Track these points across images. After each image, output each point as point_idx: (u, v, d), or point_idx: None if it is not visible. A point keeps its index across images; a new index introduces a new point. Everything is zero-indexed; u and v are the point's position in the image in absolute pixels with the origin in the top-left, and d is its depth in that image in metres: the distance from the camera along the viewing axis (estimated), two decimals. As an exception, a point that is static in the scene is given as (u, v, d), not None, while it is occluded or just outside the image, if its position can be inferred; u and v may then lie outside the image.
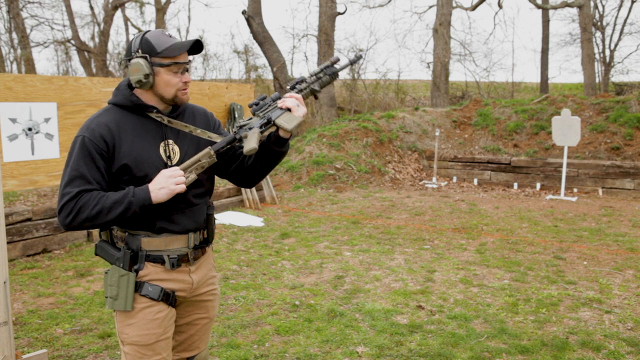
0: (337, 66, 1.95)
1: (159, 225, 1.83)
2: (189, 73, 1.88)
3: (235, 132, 1.91)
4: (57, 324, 3.74)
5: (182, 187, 1.78)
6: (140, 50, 1.80)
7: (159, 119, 1.87)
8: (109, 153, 1.79)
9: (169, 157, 1.86)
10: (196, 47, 1.85)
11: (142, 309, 1.82)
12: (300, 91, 1.94)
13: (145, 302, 1.82)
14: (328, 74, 1.94)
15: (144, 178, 1.80)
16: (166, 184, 1.76)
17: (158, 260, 1.85)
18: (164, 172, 1.78)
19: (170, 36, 1.84)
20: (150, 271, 1.84)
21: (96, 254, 1.89)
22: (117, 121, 1.82)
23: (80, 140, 1.78)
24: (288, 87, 1.97)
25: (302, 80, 1.95)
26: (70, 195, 1.72)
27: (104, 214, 1.72)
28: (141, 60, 1.77)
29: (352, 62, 1.96)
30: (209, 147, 1.86)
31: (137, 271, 1.82)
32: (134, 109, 1.85)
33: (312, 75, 1.95)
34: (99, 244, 1.88)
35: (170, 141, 1.88)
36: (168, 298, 1.86)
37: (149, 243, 1.83)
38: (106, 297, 1.83)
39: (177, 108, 1.92)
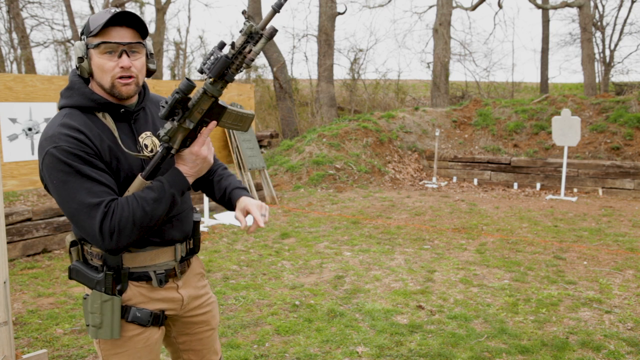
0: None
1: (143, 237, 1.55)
2: (136, 57, 1.51)
3: (164, 150, 1.55)
4: (57, 324, 3.73)
5: (211, 160, 1.59)
6: (84, 32, 1.50)
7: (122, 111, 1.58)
8: (97, 153, 1.48)
9: (143, 157, 1.58)
10: (129, 20, 1.46)
11: (132, 337, 1.59)
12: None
13: (134, 329, 1.60)
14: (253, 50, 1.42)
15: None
16: (197, 161, 1.55)
17: (143, 277, 1.60)
18: (189, 154, 1.54)
19: (117, 12, 1.45)
20: (134, 293, 1.60)
21: (70, 278, 1.60)
22: (85, 124, 1.49)
23: (54, 153, 1.42)
24: (207, 72, 1.42)
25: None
26: (100, 214, 1.42)
27: (148, 218, 1.46)
28: (77, 43, 1.48)
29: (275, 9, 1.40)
30: (139, 174, 1.54)
31: (120, 292, 1.57)
32: (99, 109, 1.53)
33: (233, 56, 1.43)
34: (73, 267, 1.59)
35: (142, 136, 1.63)
36: (158, 320, 1.64)
37: (133, 259, 1.57)
38: (87, 326, 1.57)
39: (141, 101, 1.63)
